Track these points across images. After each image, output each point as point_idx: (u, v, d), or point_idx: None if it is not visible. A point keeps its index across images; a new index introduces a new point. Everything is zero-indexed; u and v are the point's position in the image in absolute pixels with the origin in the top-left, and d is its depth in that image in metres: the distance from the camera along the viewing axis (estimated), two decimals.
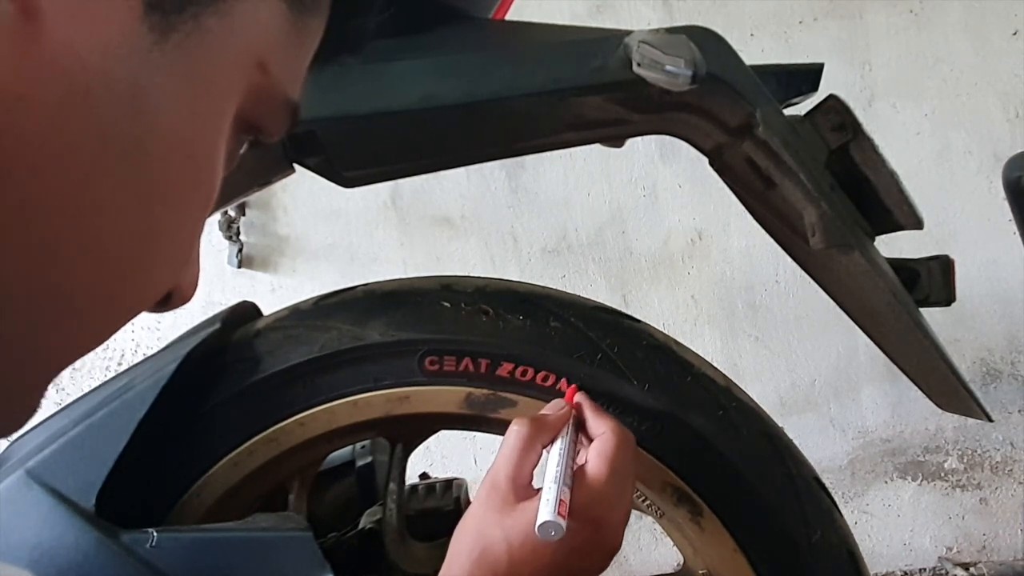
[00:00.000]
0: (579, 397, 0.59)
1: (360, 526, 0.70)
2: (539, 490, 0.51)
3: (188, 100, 0.26)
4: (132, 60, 0.24)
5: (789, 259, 0.62)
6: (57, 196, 0.24)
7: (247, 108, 0.30)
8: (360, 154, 0.56)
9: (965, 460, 1.78)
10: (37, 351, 0.26)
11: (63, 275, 0.25)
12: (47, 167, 0.23)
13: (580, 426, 0.57)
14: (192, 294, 0.32)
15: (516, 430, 0.53)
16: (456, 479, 0.79)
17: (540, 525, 0.47)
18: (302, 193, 1.72)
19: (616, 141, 0.63)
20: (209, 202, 0.30)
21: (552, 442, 0.55)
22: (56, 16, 0.22)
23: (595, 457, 0.52)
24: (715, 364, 0.67)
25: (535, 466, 0.53)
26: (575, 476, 0.51)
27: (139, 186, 0.26)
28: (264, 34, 0.29)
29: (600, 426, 0.55)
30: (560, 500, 0.48)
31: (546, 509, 0.47)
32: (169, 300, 0.31)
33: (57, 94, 0.23)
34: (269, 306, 0.72)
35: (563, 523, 0.47)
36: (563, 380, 0.63)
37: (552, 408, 0.58)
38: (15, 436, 0.63)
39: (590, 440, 0.55)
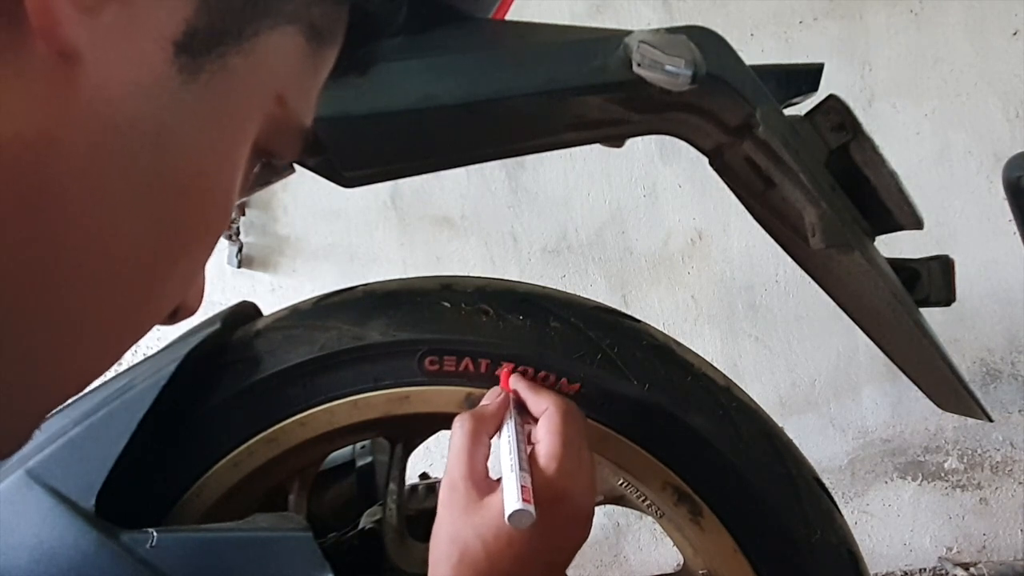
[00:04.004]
0: (514, 380, 0.59)
1: (360, 526, 0.70)
2: (499, 481, 0.51)
3: (210, 137, 0.27)
4: (160, 100, 0.25)
5: (789, 259, 0.62)
6: (81, 230, 0.24)
7: (263, 137, 0.30)
8: (360, 154, 0.56)
9: (965, 460, 1.78)
10: (44, 378, 0.27)
11: (81, 303, 0.25)
12: (74, 205, 0.24)
13: (522, 408, 0.57)
14: (198, 307, 0.33)
15: (459, 426, 0.54)
16: None
17: (510, 516, 0.47)
18: (302, 193, 1.72)
19: (616, 141, 0.62)
20: (222, 226, 0.30)
21: (498, 430, 0.55)
22: (94, 61, 0.23)
23: (545, 434, 0.52)
24: (715, 364, 0.67)
25: (487, 458, 0.53)
26: (531, 458, 0.51)
27: (158, 218, 0.26)
28: (284, 68, 0.30)
29: (541, 403, 0.55)
30: (522, 486, 0.48)
31: (511, 499, 0.47)
32: (176, 314, 0.32)
33: (89, 135, 0.23)
34: (269, 306, 0.72)
35: (532, 509, 0.47)
36: (563, 380, 0.63)
37: (490, 396, 0.58)
38: None
39: (535, 420, 0.55)
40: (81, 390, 0.29)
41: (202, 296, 0.33)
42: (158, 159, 0.25)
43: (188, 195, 0.27)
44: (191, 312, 0.33)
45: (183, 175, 0.27)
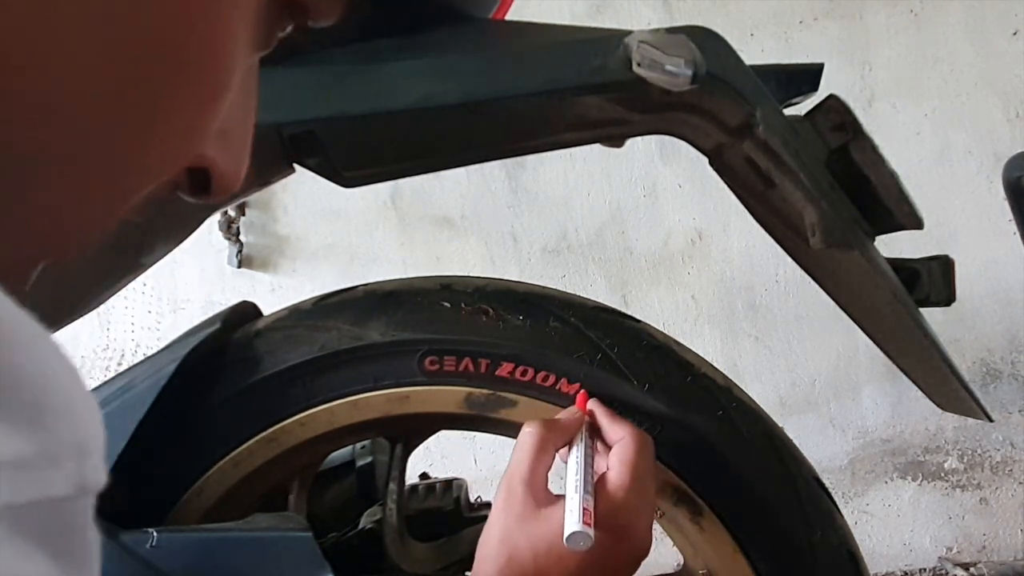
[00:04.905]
0: (592, 403, 0.59)
1: (360, 526, 0.70)
2: (558, 496, 0.51)
3: None
4: None
5: (789, 259, 0.62)
6: (30, 54, 0.21)
7: None
8: (360, 154, 0.56)
9: (965, 460, 1.78)
10: (29, 218, 0.24)
11: (39, 141, 0.23)
12: (19, 25, 0.21)
13: (594, 432, 0.57)
14: (234, 184, 0.30)
15: (528, 432, 0.53)
16: (456, 479, 0.79)
17: (568, 536, 0.46)
18: (302, 193, 1.72)
19: (616, 141, 0.62)
20: (223, 79, 0.27)
21: (568, 448, 0.55)
22: None
23: (617, 463, 0.52)
24: (715, 364, 0.67)
25: (549, 469, 0.53)
26: (597, 484, 0.51)
27: (125, 51, 0.23)
28: None
29: (618, 431, 0.54)
30: (584, 509, 0.48)
31: (571, 519, 0.47)
32: (208, 186, 0.29)
33: None
34: (269, 306, 0.72)
35: (591, 533, 0.46)
36: (563, 380, 0.63)
37: (566, 414, 0.58)
38: None
39: (606, 446, 0.55)
40: (76, 246, 0.26)
41: (239, 172, 0.30)
42: None
43: (162, 22, 0.24)
44: (227, 186, 0.29)
45: (154, 6, 0.23)
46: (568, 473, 0.52)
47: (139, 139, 0.25)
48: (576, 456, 0.53)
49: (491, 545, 0.50)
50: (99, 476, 0.23)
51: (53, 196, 0.24)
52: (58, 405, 0.21)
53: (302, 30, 0.30)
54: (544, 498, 0.51)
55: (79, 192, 0.25)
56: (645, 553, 0.52)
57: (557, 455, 0.54)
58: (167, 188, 0.28)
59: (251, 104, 0.31)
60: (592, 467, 0.53)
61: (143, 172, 0.26)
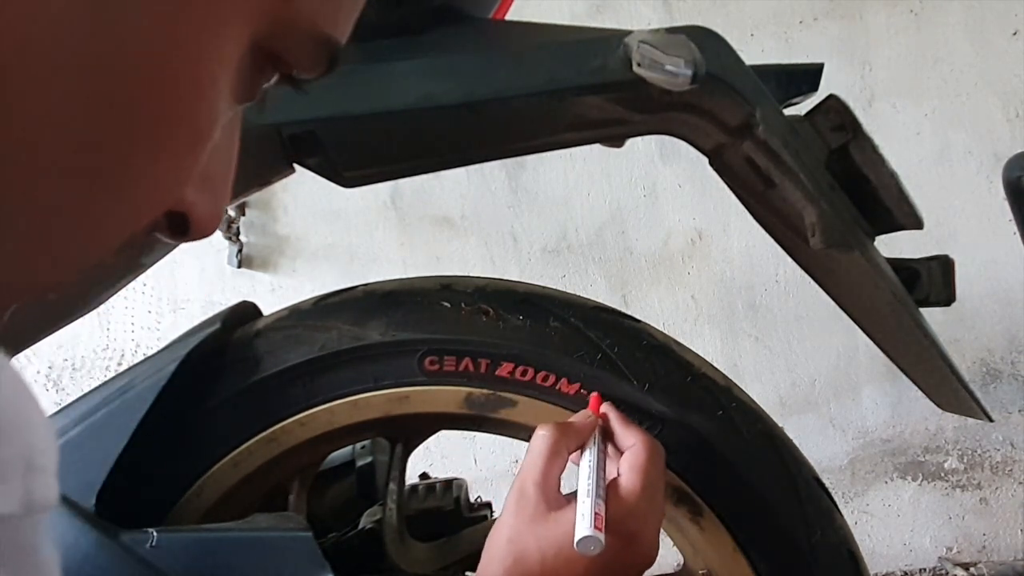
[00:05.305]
0: (605, 407, 0.59)
1: (360, 526, 0.70)
2: (568, 498, 0.51)
3: (166, 9, 0.23)
4: None
5: (789, 259, 0.62)
6: (7, 105, 0.21)
7: (265, 37, 0.26)
8: (360, 154, 0.56)
9: (965, 460, 1.78)
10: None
11: (19, 186, 0.22)
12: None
13: (607, 436, 0.57)
14: (212, 228, 0.30)
15: (541, 435, 0.53)
16: (456, 479, 0.79)
17: (579, 541, 0.47)
18: (302, 193, 1.72)
19: (616, 141, 0.63)
20: (204, 131, 0.26)
21: (580, 451, 0.55)
22: None
23: (628, 470, 0.52)
24: (715, 364, 0.67)
25: (562, 472, 0.53)
26: (608, 489, 0.51)
27: (103, 99, 0.23)
28: None
29: (629, 437, 0.55)
30: (596, 514, 0.48)
31: (583, 524, 0.47)
32: (187, 228, 0.29)
33: None
34: (269, 306, 0.72)
35: (602, 538, 0.47)
36: (563, 380, 0.63)
37: (579, 417, 0.58)
38: None
39: (618, 451, 0.55)
40: (52, 289, 0.26)
41: (217, 215, 0.30)
42: (97, 24, 0.21)
43: (139, 76, 0.23)
44: (203, 230, 0.29)
45: (130, 50, 0.23)
46: (580, 477, 0.52)
47: (115, 191, 0.25)
48: (588, 460, 0.53)
49: (499, 545, 0.51)
50: (49, 492, 0.23)
51: (24, 246, 0.24)
52: (3, 423, 0.21)
53: (289, 81, 0.30)
54: (555, 501, 0.51)
55: (52, 242, 0.24)
56: (652, 560, 0.52)
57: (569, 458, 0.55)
58: (144, 231, 0.28)
59: (232, 150, 0.30)
60: (604, 471, 0.53)
61: (119, 221, 0.26)
